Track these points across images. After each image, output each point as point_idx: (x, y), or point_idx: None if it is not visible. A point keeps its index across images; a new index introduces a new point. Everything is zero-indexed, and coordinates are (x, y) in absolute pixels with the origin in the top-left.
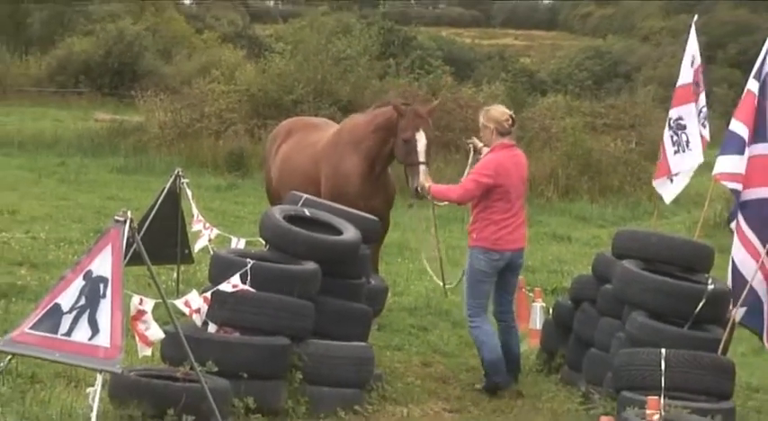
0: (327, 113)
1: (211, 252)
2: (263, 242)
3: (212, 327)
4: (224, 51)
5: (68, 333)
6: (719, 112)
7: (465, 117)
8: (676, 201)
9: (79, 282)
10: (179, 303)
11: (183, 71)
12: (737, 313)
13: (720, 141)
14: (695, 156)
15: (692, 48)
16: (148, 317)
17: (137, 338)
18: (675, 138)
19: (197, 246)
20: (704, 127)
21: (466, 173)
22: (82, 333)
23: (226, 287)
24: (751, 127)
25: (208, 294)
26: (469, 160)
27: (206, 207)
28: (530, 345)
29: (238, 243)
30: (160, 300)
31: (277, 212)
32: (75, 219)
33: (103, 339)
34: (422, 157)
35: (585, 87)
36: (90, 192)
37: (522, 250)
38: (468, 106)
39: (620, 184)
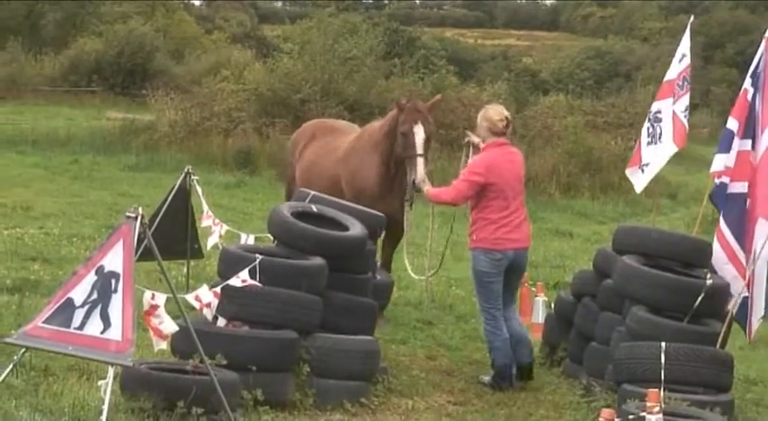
0: (334, 112)
1: (220, 247)
2: (272, 238)
3: (222, 321)
4: (233, 51)
5: (81, 327)
6: (717, 111)
7: (469, 116)
8: (674, 197)
9: (91, 277)
10: (190, 298)
11: (193, 71)
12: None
13: (718, 139)
14: (665, 149)
15: (684, 47)
16: (161, 311)
17: (151, 333)
18: (651, 130)
19: (209, 243)
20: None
21: (461, 166)
22: (94, 327)
23: (235, 282)
24: (742, 123)
25: (218, 289)
26: (463, 155)
27: (215, 203)
28: (532, 339)
29: (248, 239)
30: (171, 295)
31: (285, 209)
32: (87, 215)
33: (115, 333)
34: (419, 149)
35: (587, 87)
36: (102, 188)
37: (526, 250)
38: (471, 105)
39: (620, 181)
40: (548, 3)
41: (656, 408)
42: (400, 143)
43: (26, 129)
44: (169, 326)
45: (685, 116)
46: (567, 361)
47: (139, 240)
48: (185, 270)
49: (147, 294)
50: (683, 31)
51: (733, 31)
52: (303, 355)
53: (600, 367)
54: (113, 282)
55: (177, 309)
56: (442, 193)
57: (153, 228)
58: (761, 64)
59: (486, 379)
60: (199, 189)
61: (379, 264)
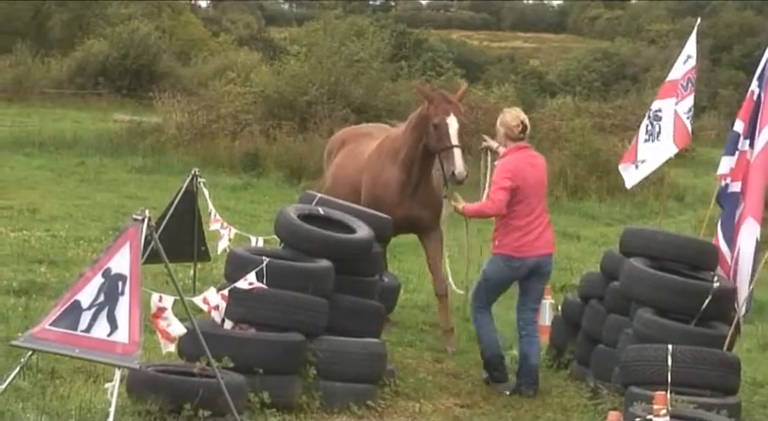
0: (341, 115)
1: (227, 250)
2: (279, 240)
3: (228, 324)
4: (240, 54)
5: (88, 329)
6: (725, 114)
7: (476, 118)
8: (682, 199)
9: (98, 280)
10: (197, 300)
11: (199, 73)
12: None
13: (725, 141)
14: (664, 149)
15: (690, 48)
16: (169, 313)
17: (159, 335)
18: (650, 128)
19: (219, 247)
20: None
21: (484, 176)
22: (101, 329)
23: (242, 284)
24: (747, 124)
25: (225, 291)
26: (482, 162)
27: (222, 206)
28: (539, 341)
29: (257, 242)
30: (178, 298)
31: (291, 211)
32: (94, 217)
33: (122, 335)
34: (455, 140)
35: (594, 89)
36: (109, 191)
37: (550, 256)
38: (478, 108)
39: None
40: (555, 4)
41: (663, 411)
42: (433, 136)
43: (33, 132)
44: (177, 328)
45: (688, 117)
46: (575, 363)
47: (146, 243)
48: (192, 272)
49: (155, 296)
50: (691, 33)
51: (740, 33)
52: (310, 358)
53: (607, 369)
54: (120, 284)
55: (184, 312)
56: (484, 208)
57: (160, 230)
58: (763, 63)
59: (507, 392)
60: (206, 191)
61: (433, 277)
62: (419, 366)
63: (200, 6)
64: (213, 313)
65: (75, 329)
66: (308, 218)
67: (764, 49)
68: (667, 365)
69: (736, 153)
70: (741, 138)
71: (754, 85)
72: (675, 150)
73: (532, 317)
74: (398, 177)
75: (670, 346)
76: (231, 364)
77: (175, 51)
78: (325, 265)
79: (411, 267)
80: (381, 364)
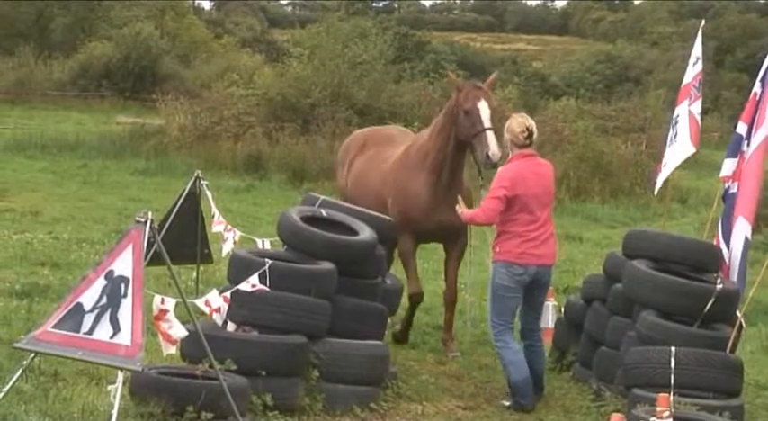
0: (343, 117)
1: (230, 252)
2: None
3: (231, 326)
4: (243, 56)
5: (90, 331)
6: (727, 116)
7: None
8: (685, 202)
9: (101, 282)
10: (199, 302)
11: (202, 75)
12: None
13: (728, 143)
14: (682, 149)
15: (698, 50)
16: (171, 315)
17: (160, 337)
18: (671, 133)
19: (223, 250)
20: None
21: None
22: (103, 331)
23: (245, 287)
24: (749, 126)
25: (227, 294)
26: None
27: (225, 208)
28: (543, 349)
29: (263, 244)
30: (180, 300)
31: (294, 213)
32: (96, 219)
33: (125, 337)
34: (487, 123)
35: (597, 91)
36: (111, 193)
37: (550, 267)
38: None
39: (630, 186)
40: (558, 7)
41: (666, 413)
42: (464, 123)
43: (35, 134)
44: (179, 330)
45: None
46: (577, 365)
47: (149, 245)
48: (195, 274)
49: (157, 299)
50: (694, 36)
51: (743, 36)
52: (312, 360)
53: (610, 372)
54: (123, 286)
55: (187, 314)
56: (475, 216)
57: (162, 232)
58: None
59: (507, 403)
60: (208, 193)
61: (446, 282)
62: (422, 368)
63: (203, 8)
64: (215, 315)
65: (78, 331)
66: (310, 220)
67: (767, 52)
68: (670, 367)
69: (739, 155)
70: (743, 140)
71: (756, 87)
72: (693, 150)
73: (535, 326)
74: (428, 184)
75: (673, 348)
76: (234, 367)
77: (178, 53)
78: (328, 268)
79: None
80: (384, 366)
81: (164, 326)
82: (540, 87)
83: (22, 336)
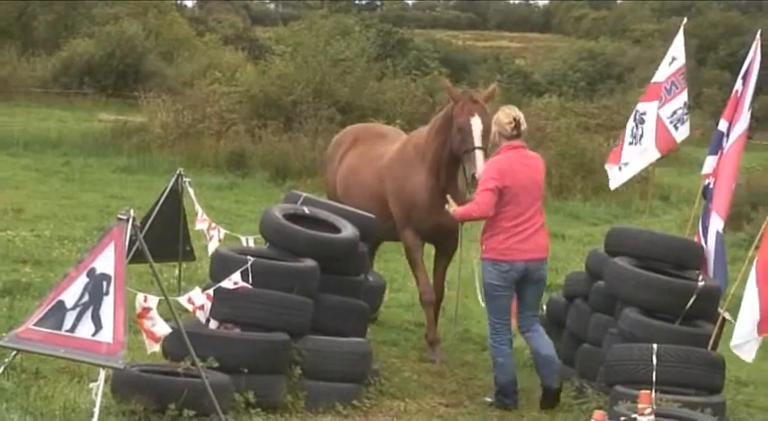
0: (326, 114)
1: (208, 249)
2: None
3: (213, 324)
4: (225, 53)
5: (72, 329)
6: (709, 113)
7: None
8: (666, 199)
9: (83, 280)
10: (182, 300)
11: (185, 72)
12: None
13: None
14: (646, 153)
15: (676, 49)
16: (154, 313)
17: (144, 335)
18: (635, 130)
19: (209, 248)
20: (676, 129)
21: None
22: (85, 329)
23: (227, 284)
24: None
25: (210, 291)
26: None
27: (207, 205)
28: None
29: (248, 242)
30: (163, 297)
31: (277, 211)
32: (78, 217)
33: (106, 335)
34: (477, 142)
35: (579, 88)
36: (94, 191)
37: (541, 261)
38: None
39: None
40: (540, 4)
41: (648, 410)
42: (456, 138)
43: (18, 131)
44: (162, 328)
45: (671, 122)
46: (560, 362)
47: (131, 242)
48: (177, 272)
49: (140, 296)
50: (676, 33)
51: (725, 33)
52: (295, 357)
53: (592, 369)
54: (105, 284)
55: (169, 312)
56: (469, 210)
57: (145, 230)
58: (752, 65)
59: (489, 399)
60: (191, 191)
61: (433, 280)
62: (404, 365)
63: (185, 6)
64: (198, 313)
65: (60, 329)
66: (293, 217)
67: (749, 49)
68: (652, 364)
69: (719, 152)
70: (724, 137)
71: (738, 85)
72: (657, 155)
73: (533, 322)
74: (427, 183)
75: (655, 345)
76: (216, 364)
77: (161, 51)
78: (311, 265)
79: (396, 266)
80: (366, 364)
81: (147, 323)
82: (522, 85)
83: (4, 334)
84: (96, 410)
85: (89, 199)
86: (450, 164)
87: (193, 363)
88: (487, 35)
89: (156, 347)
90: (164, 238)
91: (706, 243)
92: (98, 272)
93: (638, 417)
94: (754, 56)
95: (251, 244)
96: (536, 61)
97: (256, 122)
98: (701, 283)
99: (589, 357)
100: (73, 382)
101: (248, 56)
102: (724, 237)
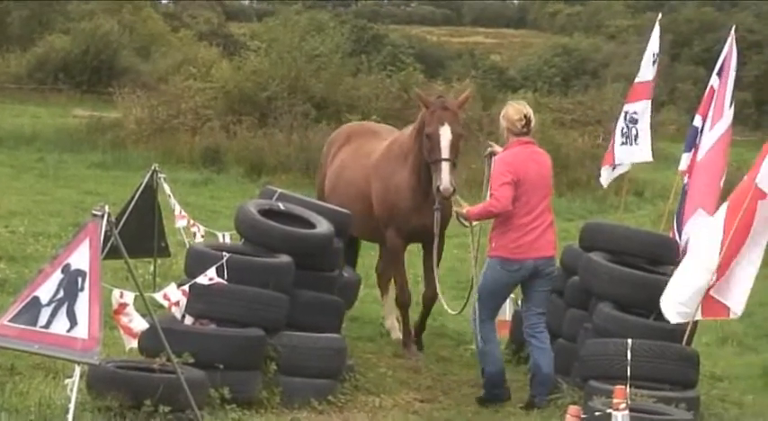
0: (301, 110)
1: (187, 245)
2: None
3: (189, 320)
4: (200, 49)
5: (47, 325)
6: (684, 109)
7: None
8: (641, 194)
9: (58, 276)
10: (158, 296)
11: (159, 68)
12: None
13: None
14: (642, 152)
15: (654, 45)
16: (131, 309)
17: (122, 331)
18: (626, 130)
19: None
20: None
21: (487, 181)
22: (60, 325)
23: (202, 280)
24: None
25: (186, 287)
26: (486, 167)
27: (182, 201)
28: (499, 336)
29: (224, 238)
30: (138, 293)
31: (252, 207)
32: (53, 213)
33: (81, 331)
34: (444, 153)
35: (554, 84)
36: (68, 187)
37: (551, 259)
38: None
39: (587, 179)
40: (515, 1)
41: (623, 405)
42: (426, 145)
43: None
44: (139, 324)
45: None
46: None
47: (106, 238)
48: (152, 268)
49: (116, 292)
50: (650, 29)
51: (700, 29)
52: (270, 353)
53: (567, 364)
54: (80, 280)
55: (144, 308)
56: (488, 207)
57: (119, 226)
58: (725, 60)
59: (481, 396)
60: (167, 187)
61: (424, 281)
62: (379, 361)
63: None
64: (174, 309)
65: (35, 325)
66: (268, 213)
67: (724, 45)
68: (627, 359)
69: (693, 149)
70: (699, 133)
71: (713, 81)
72: (651, 159)
73: (540, 322)
74: (409, 182)
75: (629, 341)
76: (191, 360)
77: (135, 47)
78: (286, 261)
79: (371, 262)
80: (341, 359)
81: (124, 319)
82: (497, 80)
83: None
84: (72, 406)
85: (64, 195)
86: (429, 168)
87: (169, 359)
88: (462, 31)
89: (134, 343)
90: (139, 234)
91: (680, 238)
92: (73, 268)
93: (613, 412)
94: (729, 51)
95: (227, 240)
96: (511, 57)
97: (231, 118)
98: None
99: (564, 352)
100: (48, 378)
101: (223, 52)
102: None
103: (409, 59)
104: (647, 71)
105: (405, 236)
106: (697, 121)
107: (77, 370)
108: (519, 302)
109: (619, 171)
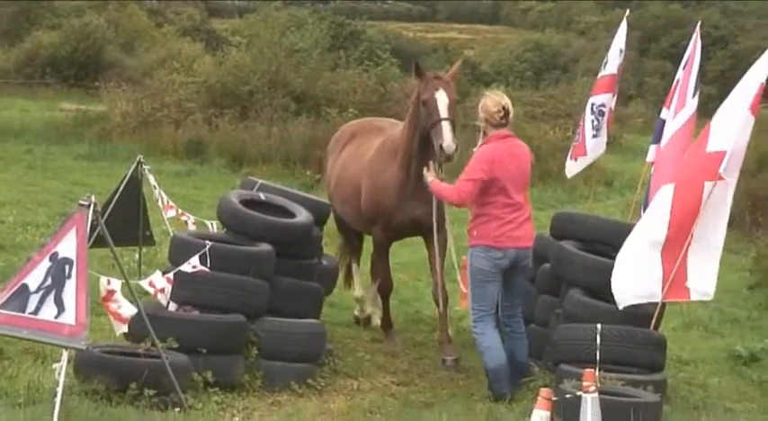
0: (281, 103)
1: (171, 234)
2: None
3: (173, 306)
4: (183, 44)
5: (36, 312)
6: (651, 102)
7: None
8: (610, 184)
9: (46, 264)
10: (144, 283)
11: (144, 63)
12: None
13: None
14: (601, 144)
15: (621, 40)
16: (118, 295)
17: (111, 317)
18: (596, 123)
19: None
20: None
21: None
22: (48, 311)
23: (186, 268)
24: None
25: (170, 274)
26: (478, 142)
27: (166, 192)
28: (460, 307)
29: (213, 227)
30: (124, 281)
31: (233, 197)
32: (41, 203)
33: (69, 317)
34: (444, 113)
35: (526, 78)
36: (56, 178)
37: (528, 250)
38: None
39: (558, 170)
40: None
41: (592, 388)
42: (423, 113)
43: None
44: (128, 309)
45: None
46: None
47: (92, 228)
48: (137, 256)
49: (104, 280)
50: (619, 25)
51: (667, 25)
52: (251, 338)
53: (539, 348)
54: (67, 268)
55: (130, 295)
56: (446, 191)
57: (105, 215)
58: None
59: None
60: (152, 178)
61: (435, 287)
62: (357, 346)
63: None
64: (159, 296)
65: (24, 311)
66: (249, 203)
67: (690, 40)
68: (596, 344)
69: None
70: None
71: (679, 74)
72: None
73: (517, 312)
74: (398, 177)
75: (599, 326)
76: (175, 345)
77: (121, 42)
78: (266, 249)
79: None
80: (321, 344)
81: (113, 306)
82: (470, 75)
83: None
84: (59, 390)
85: (51, 186)
86: (419, 154)
87: (153, 344)
88: (437, 27)
89: (124, 328)
90: (124, 224)
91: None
92: (60, 256)
93: (583, 395)
94: (694, 45)
95: (214, 229)
96: (484, 52)
97: (213, 111)
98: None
99: (536, 337)
100: (37, 363)
101: (206, 47)
102: None
103: (386, 55)
104: (612, 65)
105: (390, 232)
106: (664, 114)
107: (65, 354)
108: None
109: (585, 162)
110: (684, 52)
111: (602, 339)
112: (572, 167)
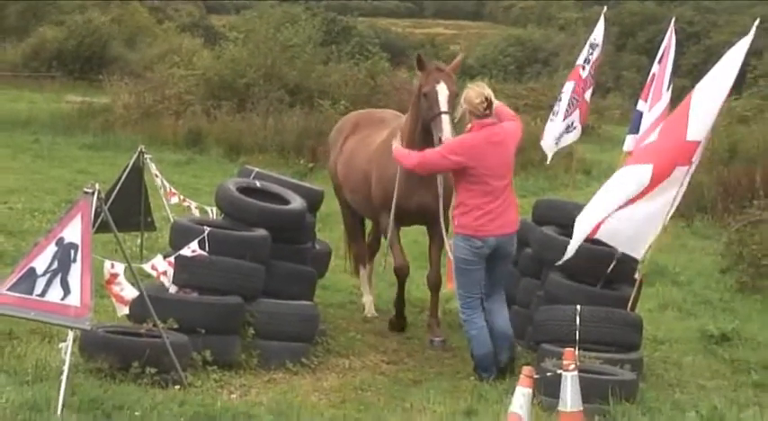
0: (276, 96)
1: (171, 220)
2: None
3: (173, 288)
4: (183, 40)
5: (42, 294)
6: (628, 94)
7: (400, 99)
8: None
9: (52, 248)
10: (146, 267)
11: (145, 58)
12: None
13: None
14: (558, 128)
15: (599, 35)
16: (121, 278)
17: (114, 299)
18: (556, 108)
19: None
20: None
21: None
22: (55, 293)
23: (186, 252)
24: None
25: (171, 258)
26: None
27: (167, 180)
28: (446, 289)
29: (213, 213)
30: (127, 264)
31: (231, 184)
32: (48, 191)
33: (74, 299)
34: (443, 107)
35: (509, 72)
36: (62, 166)
37: (511, 236)
38: (403, 88)
39: (539, 159)
40: None
41: (572, 366)
42: (424, 105)
43: None
44: (130, 292)
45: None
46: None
47: (96, 214)
48: (139, 241)
49: (107, 264)
50: (597, 21)
51: (643, 21)
52: (248, 319)
53: (521, 329)
54: (72, 252)
55: (132, 278)
56: (407, 157)
57: (109, 202)
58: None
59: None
60: (153, 166)
61: (431, 262)
62: (349, 326)
63: None
64: (163, 278)
65: (31, 294)
66: (245, 190)
67: (665, 36)
68: (576, 324)
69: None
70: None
71: (654, 68)
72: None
73: (498, 297)
74: (404, 168)
75: (578, 307)
76: (176, 325)
77: (123, 38)
78: (262, 234)
79: (341, 235)
80: (314, 325)
81: (116, 289)
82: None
83: None
84: (66, 368)
85: (57, 174)
86: (423, 146)
87: (155, 325)
88: (424, 23)
89: (126, 310)
90: (127, 210)
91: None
92: (66, 241)
93: (563, 373)
94: (669, 40)
95: (214, 215)
96: (469, 47)
97: (212, 103)
98: (620, 250)
99: (518, 318)
100: (44, 343)
101: (204, 42)
102: None
103: (375, 49)
104: (581, 57)
105: (405, 218)
106: (641, 106)
107: (71, 335)
108: None
109: (544, 145)
110: (660, 47)
111: (581, 320)
112: (547, 142)
